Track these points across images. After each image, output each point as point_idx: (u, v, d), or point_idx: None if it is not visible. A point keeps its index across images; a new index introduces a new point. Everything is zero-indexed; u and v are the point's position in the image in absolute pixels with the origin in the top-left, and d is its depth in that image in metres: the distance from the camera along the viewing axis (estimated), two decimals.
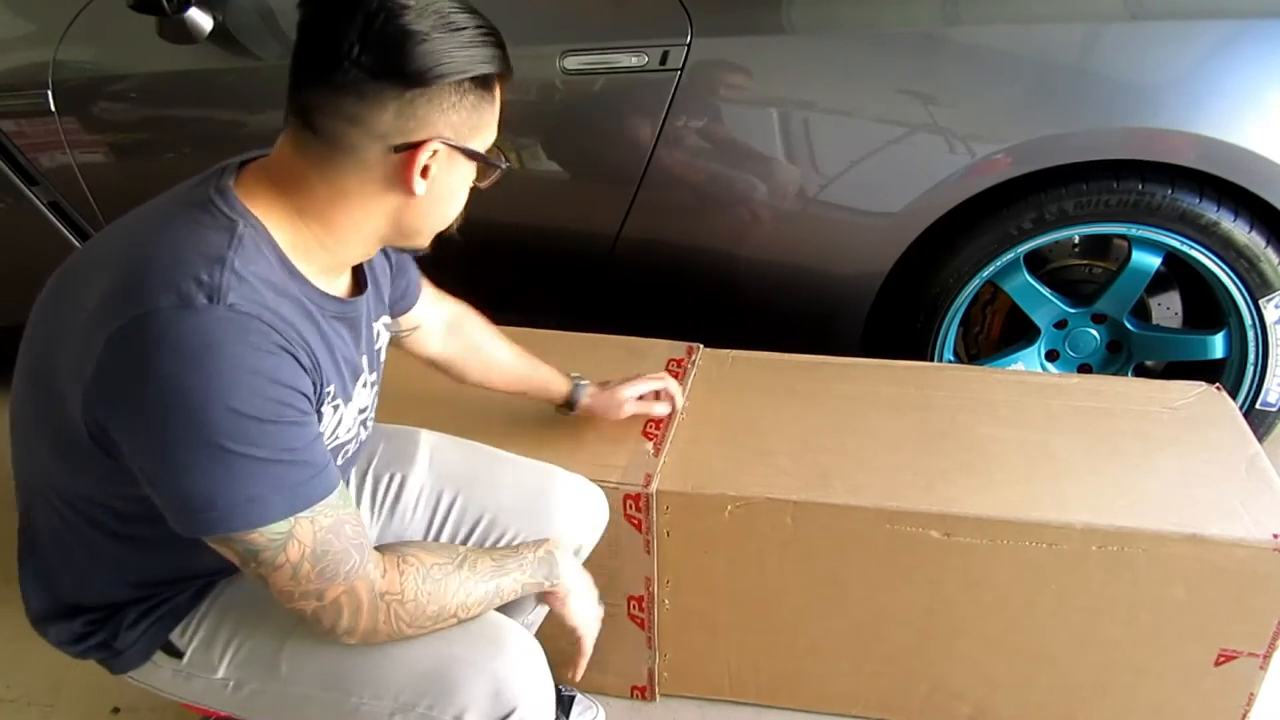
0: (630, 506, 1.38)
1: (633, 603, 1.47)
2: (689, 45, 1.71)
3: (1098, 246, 1.94)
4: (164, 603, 1.04)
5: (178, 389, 0.79)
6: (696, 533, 1.40)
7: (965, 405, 1.54)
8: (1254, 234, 1.67)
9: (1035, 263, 1.88)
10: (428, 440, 1.27)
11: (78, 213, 2.09)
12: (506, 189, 2.07)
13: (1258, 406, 1.83)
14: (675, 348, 1.69)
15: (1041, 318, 1.86)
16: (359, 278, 1.03)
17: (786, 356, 1.67)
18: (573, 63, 1.75)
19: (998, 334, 2.01)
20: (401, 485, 1.23)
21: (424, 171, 0.88)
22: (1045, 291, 1.83)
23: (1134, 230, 1.71)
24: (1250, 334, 1.77)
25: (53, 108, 1.97)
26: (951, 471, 1.39)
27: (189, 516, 0.84)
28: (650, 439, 1.46)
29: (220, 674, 1.04)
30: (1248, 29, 1.59)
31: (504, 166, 0.95)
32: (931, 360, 1.88)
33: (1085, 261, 1.93)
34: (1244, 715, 1.39)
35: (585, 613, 1.15)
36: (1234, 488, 1.36)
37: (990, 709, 1.46)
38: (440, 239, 0.99)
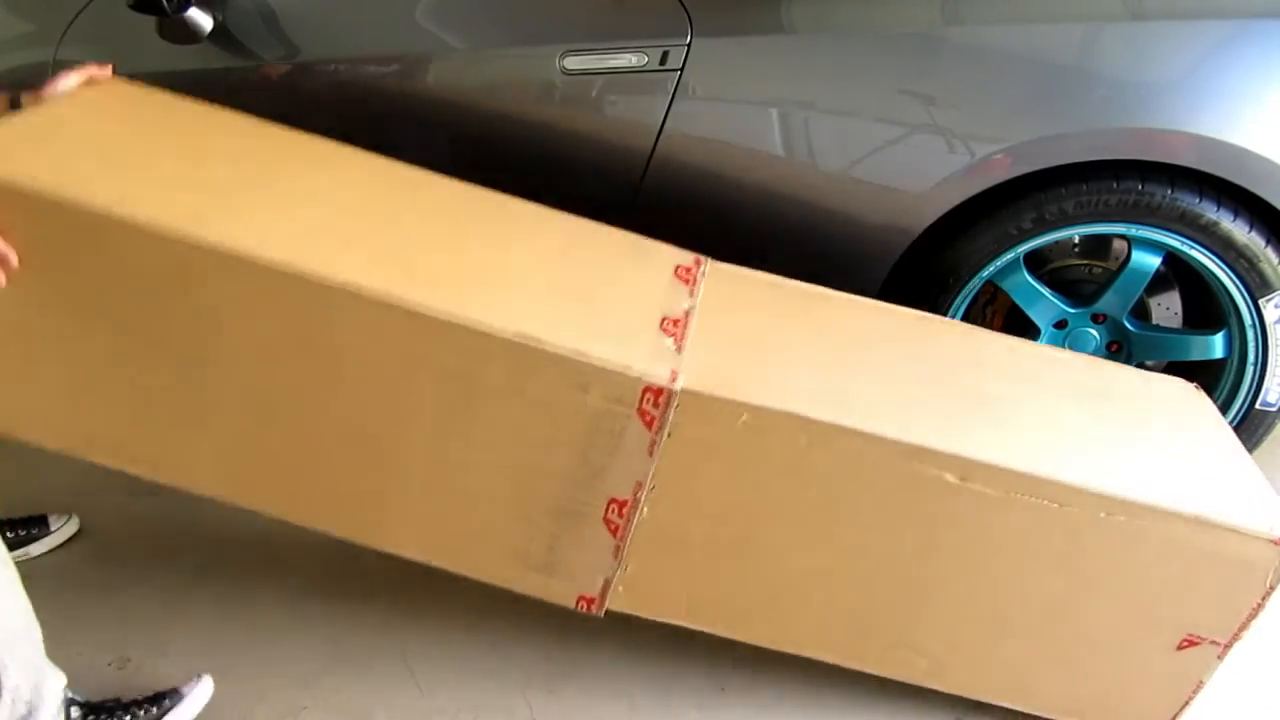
0: (648, 400, 1.24)
1: (613, 506, 1.33)
2: (689, 45, 1.71)
3: (1098, 246, 1.94)
4: None
5: None
6: (700, 439, 1.28)
7: (983, 365, 1.51)
8: (1254, 234, 1.67)
9: (1035, 263, 1.88)
10: None
11: None
12: (505, 189, 2.05)
13: (1258, 406, 1.83)
14: (682, 255, 1.56)
15: (1041, 318, 1.86)
16: None
17: (800, 284, 1.59)
18: (573, 63, 1.75)
19: None
20: None
21: None
22: (1045, 291, 1.83)
23: (1134, 230, 1.71)
24: (1250, 334, 1.77)
25: None
26: (973, 420, 1.36)
27: None
28: (670, 335, 1.33)
29: None
30: (1248, 29, 1.59)
31: None
32: None
33: (1085, 261, 1.93)
34: (1187, 703, 1.40)
35: None
36: (1238, 481, 1.39)
37: (946, 667, 1.44)
38: None
